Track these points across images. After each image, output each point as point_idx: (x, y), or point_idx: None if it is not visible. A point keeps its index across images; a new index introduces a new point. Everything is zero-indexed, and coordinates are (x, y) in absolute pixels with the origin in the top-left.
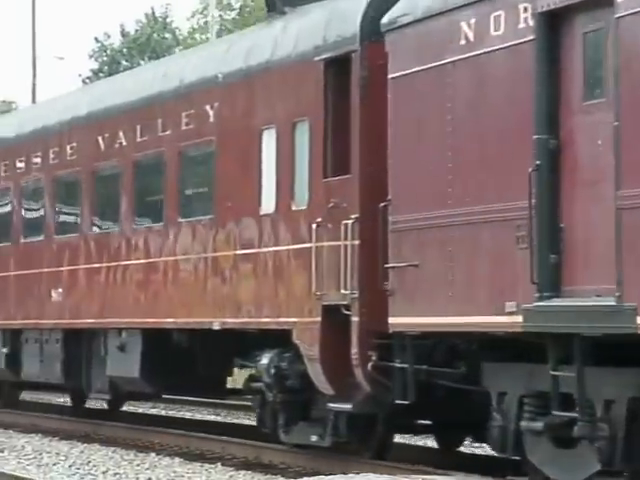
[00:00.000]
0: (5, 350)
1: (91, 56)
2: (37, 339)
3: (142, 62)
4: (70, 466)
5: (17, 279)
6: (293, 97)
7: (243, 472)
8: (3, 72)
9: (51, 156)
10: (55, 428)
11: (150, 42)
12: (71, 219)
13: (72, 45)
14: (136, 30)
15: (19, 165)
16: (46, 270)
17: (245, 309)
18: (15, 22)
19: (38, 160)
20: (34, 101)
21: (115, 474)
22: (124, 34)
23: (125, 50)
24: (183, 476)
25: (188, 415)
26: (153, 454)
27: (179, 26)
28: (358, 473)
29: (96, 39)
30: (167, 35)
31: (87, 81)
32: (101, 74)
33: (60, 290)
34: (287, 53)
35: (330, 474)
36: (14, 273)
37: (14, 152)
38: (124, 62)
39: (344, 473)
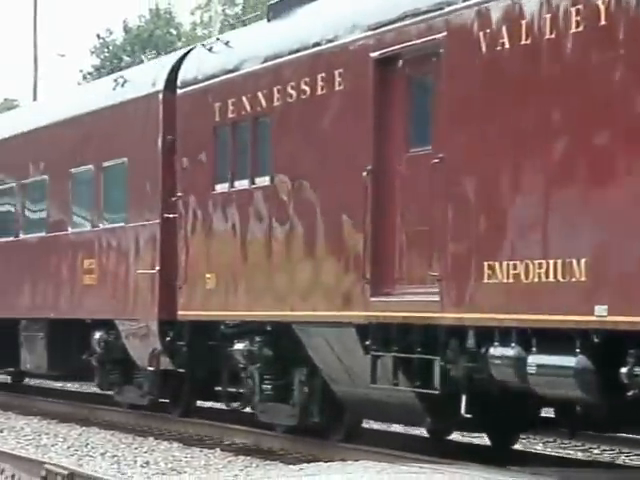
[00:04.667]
0: None
1: (93, 52)
2: None
3: (144, 58)
4: (68, 447)
5: None
6: None
7: (242, 457)
8: (5, 70)
9: None
10: (54, 411)
11: (152, 38)
12: None
13: (73, 42)
14: (138, 26)
15: None
16: None
17: None
18: (16, 20)
19: None
20: (35, 99)
21: (113, 456)
22: (127, 30)
23: (127, 46)
24: (181, 460)
25: None
26: (151, 438)
27: (182, 21)
28: (357, 460)
29: (98, 36)
30: (171, 30)
31: (88, 77)
32: (103, 70)
33: None
34: None
35: (328, 461)
36: None
37: None
38: (126, 58)
39: (343, 460)
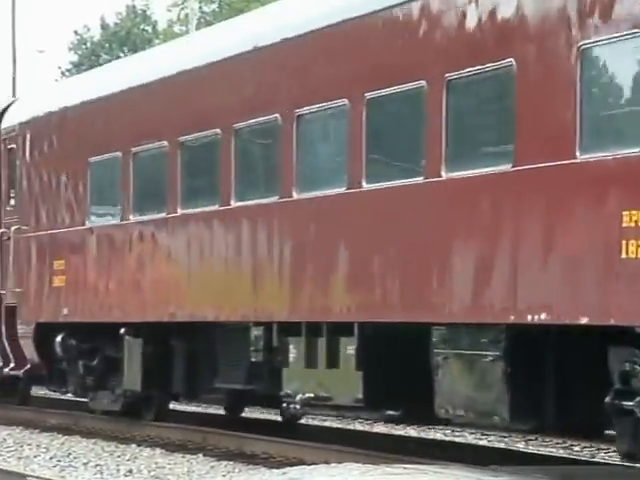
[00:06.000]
0: None
1: (71, 49)
2: None
3: (122, 55)
4: (51, 458)
5: None
6: None
7: (225, 462)
8: None
9: None
10: (36, 420)
11: (130, 35)
12: None
13: (52, 38)
14: (116, 23)
15: None
16: None
17: None
18: None
19: None
20: (14, 95)
21: (96, 465)
22: (104, 27)
23: (105, 43)
24: (164, 467)
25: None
26: (134, 445)
27: (158, 18)
28: (341, 463)
29: (75, 32)
30: (147, 28)
31: (67, 74)
32: (81, 67)
33: None
34: None
35: (312, 464)
36: None
37: None
38: (104, 55)
39: (327, 463)
